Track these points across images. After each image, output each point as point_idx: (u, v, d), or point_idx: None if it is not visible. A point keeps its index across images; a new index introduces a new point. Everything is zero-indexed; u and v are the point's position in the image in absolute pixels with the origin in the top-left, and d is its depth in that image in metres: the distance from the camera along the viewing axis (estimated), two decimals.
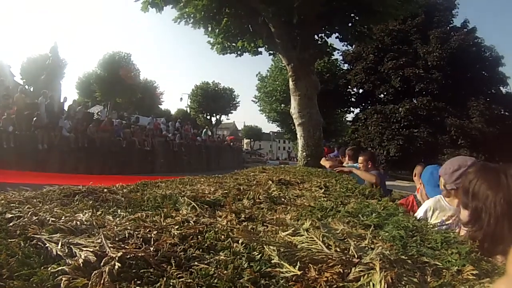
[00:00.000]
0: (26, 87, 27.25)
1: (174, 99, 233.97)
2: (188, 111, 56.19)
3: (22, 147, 15.21)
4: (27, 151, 15.36)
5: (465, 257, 1.11)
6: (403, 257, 1.04)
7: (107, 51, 48.14)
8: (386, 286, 0.77)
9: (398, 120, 33.27)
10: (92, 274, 0.74)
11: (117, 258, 0.79)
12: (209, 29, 9.84)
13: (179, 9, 8.98)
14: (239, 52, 10.72)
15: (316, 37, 9.72)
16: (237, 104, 56.55)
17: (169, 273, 0.79)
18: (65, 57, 38.05)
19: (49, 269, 0.78)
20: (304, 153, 8.35)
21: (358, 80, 37.10)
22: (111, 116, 27.85)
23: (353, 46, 34.13)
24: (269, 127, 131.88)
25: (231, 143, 43.24)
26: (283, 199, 2.02)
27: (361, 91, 39.36)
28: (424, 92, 34.38)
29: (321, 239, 1.04)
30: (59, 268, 0.77)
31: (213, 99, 52.44)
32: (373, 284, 0.78)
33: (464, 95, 32.95)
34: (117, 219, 1.17)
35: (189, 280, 0.76)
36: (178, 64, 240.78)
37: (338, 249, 0.99)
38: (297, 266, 0.85)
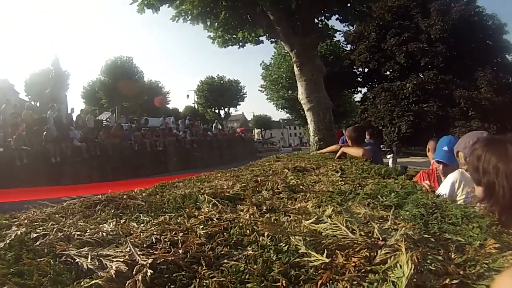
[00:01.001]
0: (32, 103, 27.50)
1: (181, 96, 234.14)
2: (196, 107, 56.29)
3: (35, 162, 15.40)
4: (40, 165, 15.55)
5: (486, 231, 1.11)
6: (426, 235, 1.05)
7: (108, 57, 48.40)
8: (413, 266, 0.77)
9: (407, 96, 33.00)
10: (126, 284, 0.75)
11: (148, 265, 0.80)
12: (208, 23, 9.78)
13: (175, 7, 8.93)
14: (240, 44, 10.65)
15: (316, 20, 9.64)
16: (244, 95, 56.47)
17: (201, 274, 0.80)
18: (68, 69, 38.44)
19: (82, 284, 0.79)
20: (316, 138, 8.31)
21: (363, 59, 36.84)
22: (120, 121, 28.00)
23: (354, 26, 33.90)
24: (279, 115, 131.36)
25: (242, 134, 43.28)
26: (301, 187, 2.02)
27: (366, 70, 39.11)
28: (429, 66, 34.07)
29: (344, 224, 1.05)
30: (93, 282, 0.78)
31: (219, 92, 52.41)
32: (400, 266, 0.79)
33: (471, 66, 32.55)
34: (142, 225, 1.18)
35: (221, 279, 0.77)
36: (181, 61, 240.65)
37: (362, 233, 0.99)
38: (325, 254, 0.86)
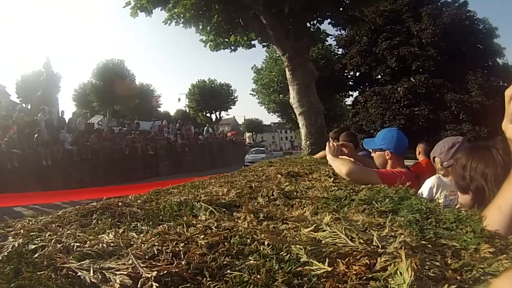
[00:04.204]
0: (24, 105, 27.36)
1: (172, 100, 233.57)
2: (187, 110, 56.33)
3: (26, 166, 15.34)
4: (31, 169, 15.48)
5: (479, 234, 1.11)
6: (423, 242, 1.05)
7: (100, 59, 48.47)
8: (413, 273, 0.78)
9: (398, 100, 33.27)
10: None
11: (152, 278, 0.80)
12: (200, 27, 9.82)
13: (168, 10, 8.97)
14: (232, 47, 10.71)
15: (308, 24, 9.71)
16: (235, 99, 56.74)
17: (205, 286, 0.80)
18: (59, 71, 38.35)
19: None
20: (308, 142, 8.37)
21: (354, 63, 37.08)
22: (111, 124, 27.93)
23: (346, 30, 34.16)
24: (270, 119, 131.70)
25: (233, 138, 43.33)
26: (295, 193, 2.02)
27: (358, 74, 39.35)
28: (421, 70, 34.42)
29: (344, 232, 1.06)
30: None
31: (210, 96, 52.58)
32: (401, 273, 0.80)
33: (462, 70, 32.90)
34: (141, 235, 1.17)
35: None
36: (173, 65, 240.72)
37: (361, 241, 1.00)
38: (326, 262, 0.86)
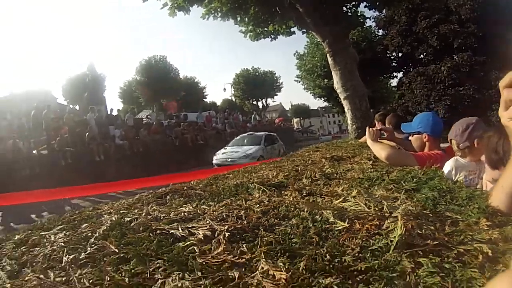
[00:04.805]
0: (71, 106, 28.49)
1: (218, 90, 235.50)
2: (234, 99, 56.81)
3: (79, 162, 16.14)
4: (85, 164, 16.27)
5: (483, 210, 1.26)
6: (426, 211, 1.29)
7: (142, 57, 49.53)
8: (404, 229, 1.05)
9: (442, 79, 32.21)
10: (213, 241, 1.08)
11: (225, 230, 1.14)
12: (238, 19, 9.99)
13: (205, 6, 9.21)
14: (272, 36, 10.85)
15: (345, 9, 9.75)
16: (280, 86, 56.53)
17: (260, 235, 1.14)
18: (103, 71, 39.51)
19: (180, 245, 1.10)
20: (354, 126, 8.49)
21: (395, 44, 36.23)
22: (159, 117, 28.61)
23: (384, 11, 33.33)
24: (317, 103, 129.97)
25: (281, 124, 43.33)
26: (335, 175, 2.25)
27: (400, 54, 38.34)
28: (463, 48, 33.05)
29: (363, 202, 1.37)
30: (188, 242, 1.10)
31: (255, 84, 52.69)
32: (396, 229, 1.08)
33: (504, 45, 31.29)
34: (211, 207, 1.51)
35: (276, 237, 1.11)
36: (215, 56, 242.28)
37: (376, 208, 1.31)
38: (346, 222, 1.19)
